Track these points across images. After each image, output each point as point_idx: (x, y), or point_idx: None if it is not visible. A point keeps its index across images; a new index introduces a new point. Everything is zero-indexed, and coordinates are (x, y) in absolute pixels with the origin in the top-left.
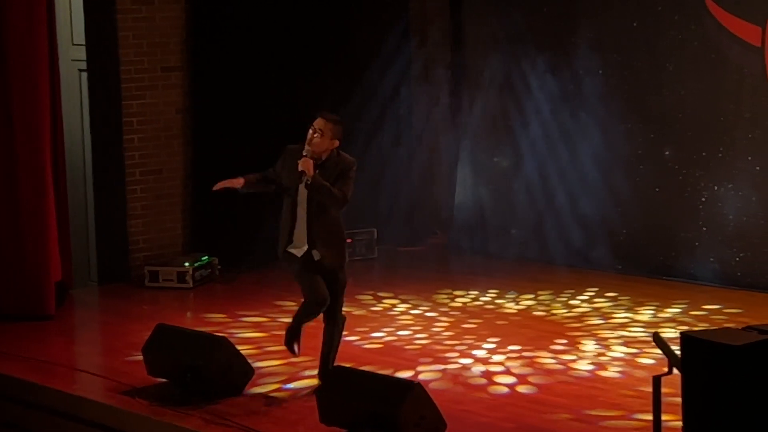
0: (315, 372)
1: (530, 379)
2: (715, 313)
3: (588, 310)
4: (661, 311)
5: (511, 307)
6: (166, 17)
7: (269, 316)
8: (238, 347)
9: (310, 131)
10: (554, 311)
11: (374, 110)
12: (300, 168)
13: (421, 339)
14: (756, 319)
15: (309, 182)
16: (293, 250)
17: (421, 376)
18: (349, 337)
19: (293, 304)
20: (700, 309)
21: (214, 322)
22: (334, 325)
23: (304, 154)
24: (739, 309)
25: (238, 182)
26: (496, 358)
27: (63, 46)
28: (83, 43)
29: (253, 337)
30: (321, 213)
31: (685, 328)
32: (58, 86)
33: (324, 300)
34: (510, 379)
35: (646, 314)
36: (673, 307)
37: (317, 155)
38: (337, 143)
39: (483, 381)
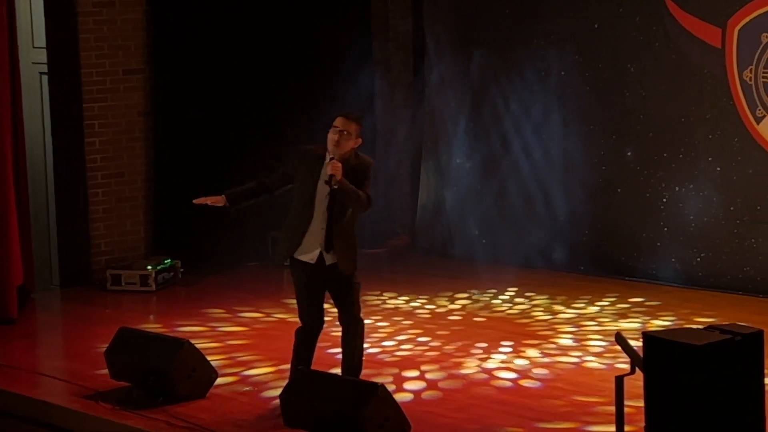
0: (272, 372)
1: (494, 380)
2: (677, 313)
3: (549, 310)
4: (622, 312)
5: (474, 308)
6: (127, 20)
7: (233, 317)
8: (202, 349)
9: (334, 134)
10: (517, 312)
11: (335, 111)
12: (330, 171)
13: (389, 342)
14: (718, 318)
15: (336, 186)
16: (302, 257)
17: (385, 380)
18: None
19: (259, 305)
20: (662, 309)
21: (177, 324)
22: (355, 334)
23: (332, 156)
24: (701, 309)
25: (218, 200)
26: (461, 359)
27: (23, 49)
28: (44, 45)
29: (216, 339)
30: (341, 216)
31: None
32: (19, 89)
33: (312, 326)
34: (475, 380)
35: (608, 315)
36: (633, 306)
37: (344, 157)
38: (360, 142)
39: (447, 383)
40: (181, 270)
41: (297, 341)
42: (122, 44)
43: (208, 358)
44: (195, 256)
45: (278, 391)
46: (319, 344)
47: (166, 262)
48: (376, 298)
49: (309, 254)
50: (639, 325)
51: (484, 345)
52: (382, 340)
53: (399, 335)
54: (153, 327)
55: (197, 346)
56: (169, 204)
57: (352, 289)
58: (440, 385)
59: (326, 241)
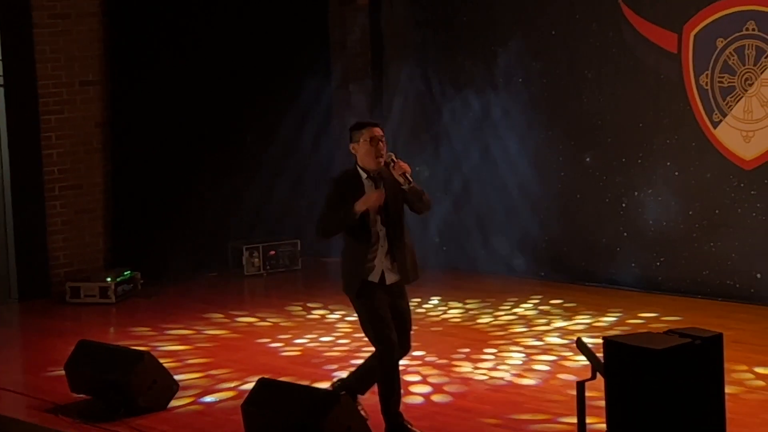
0: (233, 384)
1: (455, 387)
2: (637, 318)
3: (511, 317)
4: (583, 317)
5: (434, 315)
6: (84, 31)
7: (193, 328)
8: (162, 361)
9: (377, 142)
10: (478, 319)
11: (293, 120)
12: (403, 170)
13: (346, 349)
14: (677, 322)
15: (410, 184)
16: (374, 278)
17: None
18: (281, 352)
19: (219, 315)
20: (624, 314)
21: (138, 336)
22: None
23: (387, 161)
24: (660, 313)
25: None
26: (423, 367)
27: None
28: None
29: (177, 350)
30: (400, 226)
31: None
32: None
33: (395, 345)
34: (435, 387)
35: (567, 321)
36: (593, 311)
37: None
38: None
39: (412, 390)
40: (141, 281)
41: (388, 367)
42: (79, 55)
43: (169, 369)
44: (154, 267)
45: (240, 402)
46: (282, 354)
47: (125, 273)
48: (333, 306)
49: (375, 275)
50: (598, 330)
51: (445, 352)
52: (339, 343)
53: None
54: (113, 339)
55: (157, 357)
56: (127, 215)
57: (407, 303)
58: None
59: (391, 256)
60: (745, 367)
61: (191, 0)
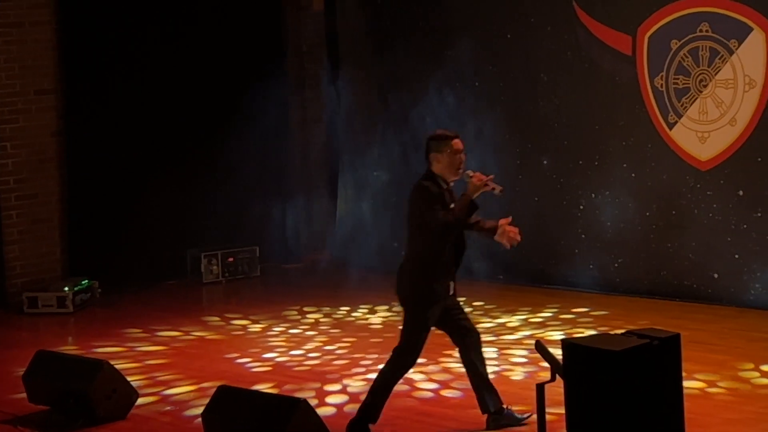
0: (192, 391)
1: (416, 391)
2: (596, 319)
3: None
4: (542, 318)
5: (394, 319)
6: (38, 40)
7: (152, 337)
8: (121, 370)
9: (461, 155)
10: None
11: (249, 127)
12: (486, 180)
13: (311, 356)
14: (635, 323)
15: (500, 192)
16: (446, 292)
17: (307, 394)
18: (240, 359)
19: (178, 323)
20: (581, 316)
21: (96, 346)
22: (480, 350)
23: (471, 174)
24: (619, 314)
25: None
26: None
27: None
28: None
29: (136, 358)
30: (463, 240)
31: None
32: None
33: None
34: (398, 392)
35: (527, 323)
36: (552, 314)
37: None
38: None
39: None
40: (99, 290)
41: (399, 378)
42: (33, 64)
43: (128, 378)
44: (112, 276)
45: (200, 410)
46: (241, 362)
47: (83, 283)
48: (296, 312)
49: (451, 287)
50: (558, 332)
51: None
52: (308, 353)
53: (324, 349)
54: (71, 349)
55: (116, 366)
56: (85, 224)
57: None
58: (362, 398)
59: (455, 267)
60: (702, 367)
61: (146, 8)
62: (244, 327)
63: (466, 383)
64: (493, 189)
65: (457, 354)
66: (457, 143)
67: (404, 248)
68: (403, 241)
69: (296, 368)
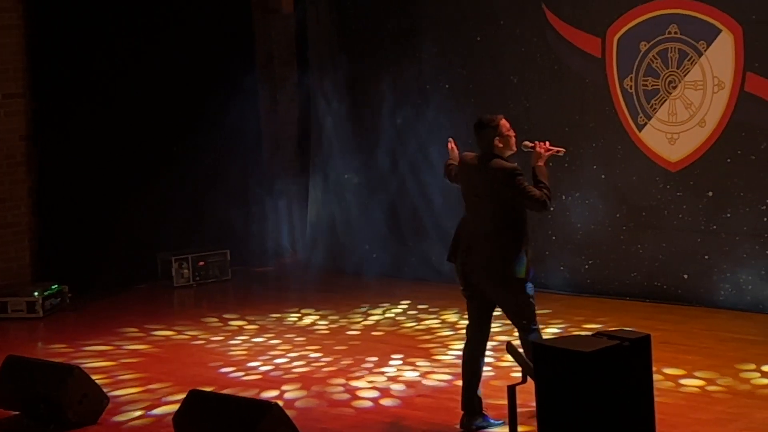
0: (163, 396)
1: (387, 394)
2: (566, 321)
3: (440, 323)
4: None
5: (365, 322)
6: (6, 43)
7: (123, 341)
8: (92, 375)
9: (512, 129)
10: (408, 325)
11: (220, 130)
12: (556, 149)
13: (283, 359)
14: (606, 325)
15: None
16: None
17: (286, 395)
18: (212, 363)
19: (150, 327)
20: (552, 317)
21: (67, 350)
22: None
23: (530, 145)
24: (589, 315)
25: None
26: (354, 373)
27: None
28: None
29: (107, 364)
30: None
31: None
32: None
33: None
34: (370, 394)
35: (498, 326)
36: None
37: None
38: None
39: (346, 397)
40: (69, 295)
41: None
42: (2, 68)
43: (99, 383)
44: (82, 280)
45: (171, 414)
46: (213, 365)
47: (53, 287)
48: (265, 316)
49: None
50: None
51: (375, 359)
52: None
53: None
54: (41, 354)
55: (87, 371)
56: (54, 228)
57: None
58: (339, 398)
59: None
60: (673, 368)
61: (116, 12)
62: (216, 331)
63: (436, 386)
64: (558, 152)
65: (423, 356)
66: (506, 122)
67: (472, 234)
68: (468, 233)
69: (272, 373)
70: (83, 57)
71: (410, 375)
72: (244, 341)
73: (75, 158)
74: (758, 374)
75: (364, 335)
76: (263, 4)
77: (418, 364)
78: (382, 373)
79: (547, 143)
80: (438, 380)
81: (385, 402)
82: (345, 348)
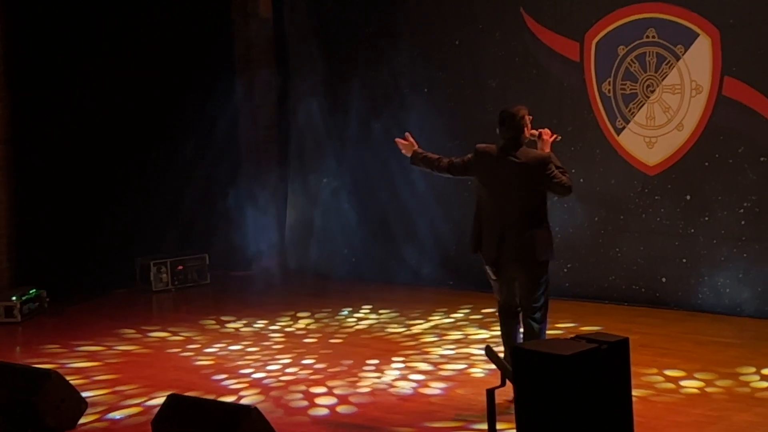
0: (142, 400)
1: (364, 397)
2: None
3: (421, 326)
4: (493, 325)
5: (345, 326)
6: None
7: (101, 345)
8: (70, 379)
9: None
10: (387, 329)
11: (199, 134)
12: (555, 135)
13: (255, 362)
14: (584, 328)
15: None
16: None
17: (247, 400)
18: (191, 367)
19: (127, 332)
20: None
21: (45, 355)
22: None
23: (537, 133)
24: (567, 319)
25: (408, 148)
26: (333, 377)
27: None
28: None
29: (85, 368)
30: None
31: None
32: None
33: None
34: (343, 398)
35: (475, 329)
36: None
37: None
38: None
39: (326, 401)
40: (47, 300)
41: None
42: None
43: (77, 387)
44: (61, 285)
45: (150, 418)
46: (193, 370)
47: (31, 292)
48: (236, 321)
49: None
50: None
51: (350, 362)
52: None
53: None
54: (19, 358)
55: (65, 375)
56: (32, 233)
57: None
58: (320, 401)
59: None
60: (651, 371)
61: (94, 17)
62: (197, 333)
63: (414, 388)
64: (556, 138)
65: (402, 360)
66: (527, 113)
67: (506, 221)
68: (497, 220)
69: (254, 375)
70: (61, 61)
71: (388, 379)
72: (223, 344)
73: (53, 162)
74: (736, 377)
75: (345, 339)
76: (242, 7)
77: (395, 368)
78: (360, 376)
79: (548, 130)
80: (414, 385)
81: (356, 408)
82: (324, 352)
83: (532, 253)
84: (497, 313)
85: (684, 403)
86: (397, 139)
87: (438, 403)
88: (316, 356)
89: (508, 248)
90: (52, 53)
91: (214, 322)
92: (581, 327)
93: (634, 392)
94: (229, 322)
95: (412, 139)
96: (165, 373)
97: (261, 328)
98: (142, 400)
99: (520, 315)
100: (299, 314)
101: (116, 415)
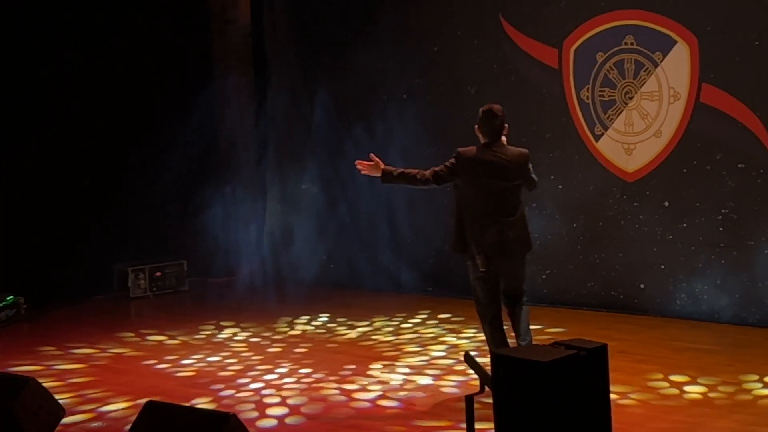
0: (128, 404)
1: (342, 403)
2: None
3: (399, 333)
4: (470, 331)
5: (322, 333)
6: None
7: (79, 352)
8: (48, 386)
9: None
10: (366, 335)
11: (177, 141)
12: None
13: (233, 366)
14: (563, 334)
15: None
16: None
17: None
18: (168, 374)
19: (106, 339)
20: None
21: (22, 362)
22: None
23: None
24: (546, 325)
25: (376, 170)
26: (314, 383)
27: None
28: None
29: (63, 375)
30: None
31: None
32: None
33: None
34: (328, 403)
35: (455, 335)
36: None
37: None
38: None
39: (305, 408)
40: (24, 306)
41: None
42: None
43: (55, 395)
44: (38, 291)
45: (128, 426)
46: (170, 376)
47: (8, 299)
48: (212, 326)
49: None
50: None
51: (333, 370)
52: (235, 368)
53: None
54: None
55: (43, 383)
56: (9, 239)
57: None
58: (309, 410)
59: None
60: (630, 377)
61: (70, 23)
62: (176, 339)
63: (393, 395)
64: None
65: (380, 366)
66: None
67: (500, 215)
68: (493, 212)
69: (218, 376)
70: (38, 69)
71: (367, 386)
72: (201, 351)
73: (30, 169)
74: (714, 383)
75: (324, 346)
76: (220, 14)
77: (373, 375)
78: (339, 382)
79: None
80: (393, 392)
81: (342, 413)
82: (305, 359)
83: (527, 240)
84: (482, 325)
85: (662, 410)
86: (359, 162)
87: (417, 410)
88: (298, 364)
89: (507, 239)
90: (29, 62)
91: (188, 329)
92: (559, 333)
93: (613, 399)
94: (205, 329)
95: (377, 159)
96: (143, 379)
97: (233, 332)
98: (120, 407)
99: (503, 313)
100: (274, 321)
101: (94, 422)
